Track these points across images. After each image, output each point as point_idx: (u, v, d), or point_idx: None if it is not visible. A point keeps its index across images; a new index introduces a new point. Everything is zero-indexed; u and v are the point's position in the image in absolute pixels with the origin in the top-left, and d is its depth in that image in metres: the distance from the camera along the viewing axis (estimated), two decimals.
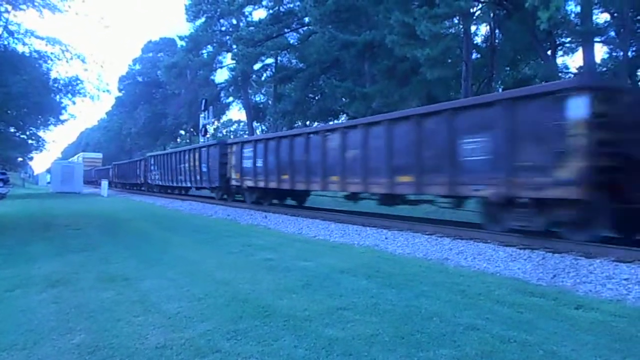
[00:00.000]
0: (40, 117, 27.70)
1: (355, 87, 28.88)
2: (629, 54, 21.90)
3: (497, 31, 28.85)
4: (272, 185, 15.86)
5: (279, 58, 42.96)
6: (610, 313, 4.54)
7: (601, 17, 23.50)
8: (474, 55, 27.29)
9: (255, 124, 50.51)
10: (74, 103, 21.55)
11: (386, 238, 9.52)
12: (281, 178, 15.22)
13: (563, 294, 5.32)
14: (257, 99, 53.59)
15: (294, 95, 38.06)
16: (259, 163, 16.57)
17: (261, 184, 16.57)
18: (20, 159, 60.17)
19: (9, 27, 16.65)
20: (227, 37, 42.25)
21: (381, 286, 5.59)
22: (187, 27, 50.40)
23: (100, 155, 73.66)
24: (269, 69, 44.94)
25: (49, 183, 52.72)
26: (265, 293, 5.30)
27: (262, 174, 16.38)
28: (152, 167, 31.48)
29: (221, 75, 49.64)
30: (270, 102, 47.51)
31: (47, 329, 4.20)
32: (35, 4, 15.17)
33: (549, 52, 25.49)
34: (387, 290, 5.38)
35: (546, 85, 8.45)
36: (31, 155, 55.51)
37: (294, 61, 43.14)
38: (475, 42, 29.33)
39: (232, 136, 69.16)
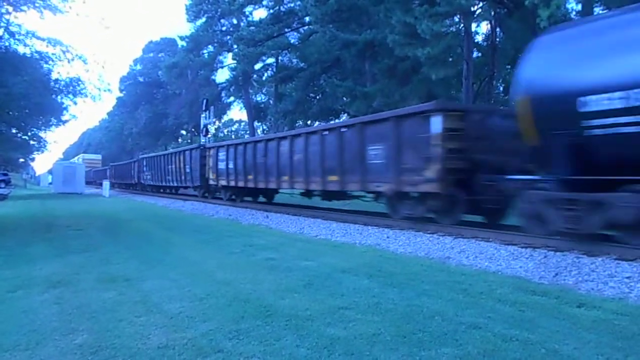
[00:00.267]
0: (41, 117, 27.73)
1: (356, 86, 28.85)
2: None
3: (498, 29, 28.81)
4: (241, 184, 18.38)
5: (279, 58, 42.95)
6: (612, 311, 4.53)
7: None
8: (475, 54, 27.24)
9: (256, 123, 50.52)
10: (75, 103, 21.56)
11: (388, 237, 9.52)
12: (247, 178, 17.75)
13: (565, 292, 5.31)
14: (258, 98, 53.57)
15: (295, 95, 38.04)
16: (230, 165, 19.11)
17: (232, 183, 19.11)
18: (21, 159, 60.35)
19: (10, 28, 16.66)
20: (228, 37, 42.24)
21: (383, 285, 5.59)
22: (188, 27, 50.48)
23: (99, 156, 74.06)
24: (269, 69, 44.93)
25: (50, 184, 52.81)
26: (266, 293, 5.31)
27: (233, 175, 18.97)
28: (145, 168, 33.89)
29: (222, 75, 49.67)
30: (271, 101, 47.52)
31: (49, 330, 4.20)
32: (36, 5, 15.19)
33: None
34: (388, 290, 5.38)
35: (417, 107, 10.85)
36: (33, 156, 55.69)
37: (294, 61, 43.13)
38: (476, 40, 29.29)
39: (233, 136, 69.30)
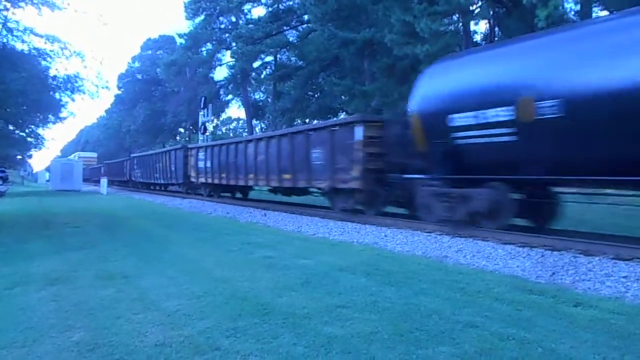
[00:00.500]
0: (39, 114, 27.71)
1: (354, 85, 28.85)
2: None
3: (496, 29, 28.83)
4: (216, 181, 20.40)
5: (278, 56, 42.96)
6: (609, 310, 4.55)
7: (601, 15, 23.50)
8: None
9: (254, 121, 50.52)
10: (73, 100, 21.57)
11: (385, 236, 9.52)
12: (221, 176, 19.72)
13: (562, 291, 5.32)
14: (257, 96, 53.55)
15: (294, 93, 38.04)
16: (208, 164, 21.20)
17: (210, 180, 21.16)
18: (19, 156, 60.24)
19: (8, 24, 16.62)
20: (227, 35, 42.21)
21: (380, 284, 5.60)
22: (187, 25, 50.32)
23: (95, 154, 74.45)
24: (268, 67, 44.98)
25: (48, 181, 52.70)
26: (264, 291, 5.31)
27: (210, 173, 21.04)
28: (135, 167, 35.76)
29: (220, 73, 49.80)
30: (269, 99, 47.54)
31: (47, 327, 4.20)
32: (35, 1, 15.15)
33: None
34: (386, 288, 5.38)
35: (345, 119, 14.28)
36: (30, 153, 55.64)
37: (293, 59, 43.13)
38: (474, 39, 29.31)
39: (231, 134, 69.20)
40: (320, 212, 13.41)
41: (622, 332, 3.95)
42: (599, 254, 6.75)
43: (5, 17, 16.20)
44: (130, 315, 4.49)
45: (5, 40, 17.13)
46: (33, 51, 17.84)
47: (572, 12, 21.66)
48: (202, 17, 41.88)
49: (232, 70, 42.56)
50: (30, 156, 67.08)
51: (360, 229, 10.46)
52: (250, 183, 17.63)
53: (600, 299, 5.06)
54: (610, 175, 6.98)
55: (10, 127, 32.12)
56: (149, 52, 67.31)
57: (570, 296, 5.09)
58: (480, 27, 32.87)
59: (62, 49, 17.62)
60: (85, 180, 56.11)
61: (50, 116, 28.78)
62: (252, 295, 5.10)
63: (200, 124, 36.92)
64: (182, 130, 66.74)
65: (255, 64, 42.91)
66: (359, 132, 11.39)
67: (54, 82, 20.16)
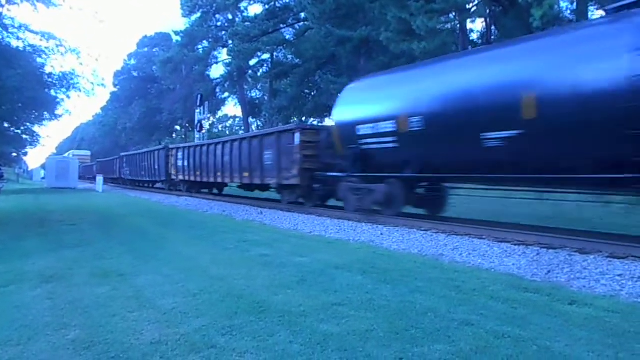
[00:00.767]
0: (34, 112, 27.59)
1: (351, 83, 28.81)
2: None
3: (493, 27, 28.86)
4: (192, 179, 22.90)
5: (274, 54, 42.88)
6: (603, 309, 4.57)
7: (597, 14, 23.56)
8: None
9: (251, 119, 50.41)
10: (68, 97, 21.50)
11: (381, 234, 9.53)
12: (196, 174, 22.24)
13: (557, 289, 5.34)
14: (253, 94, 53.48)
15: (290, 91, 37.99)
16: (185, 163, 23.59)
17: (187, 178, 23.66)
18: (14, 154, 59.94)
19: (3, 21, 16.53)
20: (223, 33, 42.11)
21: (376, 282, 5.61)
22: (183, 22, 50.11)
23: (88, 152, 75.01)
24: (264, 65, 44.85)
25: (43, 178, 52.52)
26: (260, 289, 5.31)
27: (187, 171, 23.53)
28: (125, 165, 37.99)
29: (217, 71, 49.50)
30: (266, 97, 47.45)
31: (42, 325, 4.19)
32: None
33: None
34: (382, 286, 5.39)
35: (288, 126, 16.30)
36: (25, 150, 55.40)
37: (289, 57, 43.06)
38: (471, 38, 29.35)
39: (228, 132, 69.02)
40: (316, 211, 13.43)
41: (616, 330, 3.97)
42: (594, 252, 6.79)
43: (1, 13, 16.11)
44: (125, 313, 4.48)
45: (0, 37, 17.04)
46: (28, 48, 17.77)
47: (568, 11, 21.69)
48: (199, 14, 41.78)
49: (229, 68, 42.45)
50: (25, 154, 66.77)
51: (356, 227, 10.47)
52: (219, 180, 19.88)
53: (595, 297, 5.08)
54: (458, 173, 9.65)
55: (6, 125, 31.98)
56: (145, 49, 67.10)
57: (565, 294, 5.11)
58: (476, 26, 32.90)
59: (57, 46, 17.56)
60: (79, 178, 56.14)
61: (45, 113, 28.68)
62: (248, 293, 5.10)
63: (196, 121, 36.87)
64: (178, 128, 66.56)
65: (252, 62, 42.82)
66: (297, 138, 13.68)
67: (50, 80, 20.09)
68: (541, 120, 7.60)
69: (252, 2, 41.93)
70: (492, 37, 28.70)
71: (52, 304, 4.87)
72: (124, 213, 15.51)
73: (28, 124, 33.06)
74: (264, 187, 17.11)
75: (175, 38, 50.48)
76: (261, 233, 10.31)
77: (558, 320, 4.22)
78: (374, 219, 10.94)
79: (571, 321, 4.19)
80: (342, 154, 12.29)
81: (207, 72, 48.42)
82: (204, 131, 36.09)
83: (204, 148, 21.21)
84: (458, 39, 23.85)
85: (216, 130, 66.90)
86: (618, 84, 6.66)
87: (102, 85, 20.92)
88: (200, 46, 44.63)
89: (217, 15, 42.98)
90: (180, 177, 24.60)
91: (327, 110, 37.78)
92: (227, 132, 67.55)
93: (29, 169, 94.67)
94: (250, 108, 47.88)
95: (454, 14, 23.31)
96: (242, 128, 52.81)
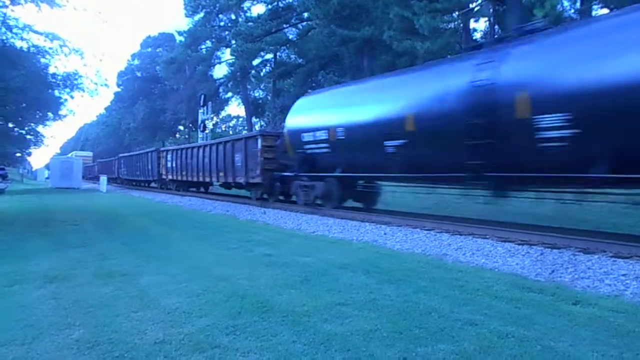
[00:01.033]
0: (38, 112, 27.65)
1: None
2: None
3: (496, 27, 28.75)
4: (179, 178, 25.43)
5: (278, 53, 42.89)
6: (608, 308, 4.55)
7: (600, 13, 23.44)
8: None
9: (254, 119, 50.45)
10: (72, 97, 21.53)
11: (385, 234, 9.52)
12: (182, 174, 24.74)
13: (561, 289, 5.32)
14: (256, 94, 53.51)
15: (293, 91, 37.98)
16: (174, 164, 26.19)
17: (175, 178, 26.21)
18: (18, 154, 60.09)
19: (7, 21, 16.58)
20: (226, 33, 42.17)
21: (380, 282, 5.60)
22: (186, 22, 50.25)
23: (90, 153, 76.16)
24: (268, 65, 44.89)
25: (47, 178, 52.64)
26: (263, 288, 5.31)
27: (174, 171, 26.14)
28: (122, 165, 40.36)
29: (220, 71, 49.66)
30: (269, 97, 47.48)
31: (46, 325, 4.20)
32: None
33: None
34: (385, 286, 5.38)
35: (251, 133, 20.02)
36: (30, 150, 55.49)
37: (293, 56, 43.08)
38: (474, 37, 29.25)
39: (231, 132, 69.16)
40: (320, 211, 13.43)
41: (621, 330, 3.95)
42: (599, 252, 6.76)
43: (5, 13, 16.16)
44: (129, 313, 4.48)
45: (4, 37, 17.09)
46: (32, 48, 17.80)
47: (572, 10, 21.60)
48: (202, 14, 41.83)
49: (232, 68, 42.52)
50: (29, 154, 66.87)
51: (359, 227, 10.46)
52: (201, 179, 22.42)
53: (599, 296, 5.07)
54: (372, 173, 12.16)
55: (10, 125, 32.05)
56: (149, 49, 67.21)
57: (569, 294, 5.10)
58: (480, 25, 32.82)
59: (61, 46, 17.60)
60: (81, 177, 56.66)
61: (49, 114, 28.72)
62: (252, 293, 5.10)
63: (199, 121, 36.92)
64: (181, 128, 66.67)
65: (255, 62, 42.86)
66: (259, 143, 16.14)
67: (53, 80, 20.14)
68: (419, 132, 9.97)
69: (255, 2, 41.99)
70: (496, 37, 28.58)
71: (56, 303, 4.89)
72: (128, 213, 15.54)
73: (32, 124, 33.14)
74: (239, 185, 18.93)
75: (178, 38, 50.62)
76: (264, 233, 10.32)
77: (562, 320, 4.21)
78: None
79: (575, 321, 4.17)
80: (292, 157, 14.49)
81: (211, 72, 48.52)
82: (207, 131, 36.16)
83: (189, 151, 23.80)
84: (461, 38, 23.79)
85: (219, 130, 67.04)
86: (459, 107, 9.00)
87: (106, 85, 21.00)
88: (203, 46, 44.70)
89: (220, 15, 43.02)
90: (170, 177, 27.00)
91: None
92: (231, 132, 67.72)
93: (33, 169, 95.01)
94: (254, 108, 47.93)
95: (457, 13, 23.28)
96: (246, 128, 52.89)
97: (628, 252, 6.54)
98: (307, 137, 13.53)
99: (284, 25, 38.36)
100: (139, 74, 68.59)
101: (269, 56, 43.34)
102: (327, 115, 13.11)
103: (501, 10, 25.51)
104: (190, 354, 3.50)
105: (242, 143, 17.42)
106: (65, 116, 28.41)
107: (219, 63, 47.45)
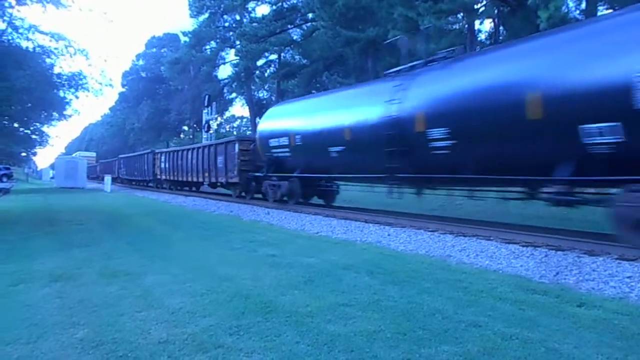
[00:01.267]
0: (43, 112, 27.79)
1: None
2: None
3: (501, 28, 28.71)
4: (171, 178, 28.15)
5: (282, 54, 42.88)
6: (612, 311, 4.53)
7: (605, 13, 23.32)
8: None
9: (258, 119, 50.44)
10: (77, 97, 21.65)
11: (389, 235, 9.52)
12: (174, 174, 27.40)
13: (565, 291, 5.30)
14: (260, 95, 53.57)
15: (297, 91, 38.01)
16: (167, 165, 28.97)
17: (168, 178, 28.93)
18: (23, 154, 60.39)
19: (13, 22, 16.67)
20: (231, 33, 42.21)
21: (383, 283, 5.60)
22: (191, 23, 50.33)
23: (93, 154, 77.57)
24: (272, 65, 44.89)
25: (52, 178, 52.88)
26: (267, 289, 5.32)
27: (167, 172, 28.93)
28: (122, 166, 43.16)
29: (224, 71, 49.67)
30: (273, 98, 47.45)
31: (51, 324, 4.22)
32: None
33: None
34: (389, 287, 5.38)
35: (230, 138, 21.78)
36: (35, 150, 55.78)
37: (297, 57, 43.09)
38: (479, 38, 29.23)
39: (235, 132, 69.23)
40: (323, 212, 13.44)
41: (625, 333, 3.93)
42: (603, 254, 6.74)
43: (11, 14, 16.25)
44: (133, 312, 4.50)
45: (10, 37, 17.19)
46: (38, 49, 17.91)
47: (577, 12, 21.53)
48: (207, 15, 41.90)
49: (236, 69, 42.53)
50: (34, 154, 67.18)
51: (363, 228, 10.46)
52: (190, 179, 24.84)
53: (604, 299, 5.05)
54: (321, 174, 14.37)
55: (15, 125, 32.23)
56: (154, 50, 67.38)
57: (574, 296, 5.08)
58: (485, 26, 32.78)
59: (66, 46, 17.71)
60: None
61: (54, 114, 28.87)
62: (256, 293, 5.11)
63: (204, 122, 37.00)
64: (185, 128, 66.81)
65: (259, 62, 42.89)
66: (237, 147, 18.47)
67: (58, 80, 20.25)
68: (354, 140, 12.16)
69: (259, 3, 42.06)
70: (500, 38, 28.57)
71: (61, 303, 4.91)
72: (132, 213, 15.59)
73: (37, 124, 33.33)
74: (221, 184, 21.18)
75: (183, 39, 50.74)
76: (268, 233, 10.33)
77: (566, 322, 4.19)
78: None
79: (580, 323, 4.16)
80: (263, 159, 16.66)
81: (215, 73, 48.61)
82: (211, 131, 36.23)
83: (179, 153, 26.46)
84: (466, 39, 23.75)
85: (224, 131, 67.18)
86: (380, 121, 11.05)
87: (110, 85, 21.14)
88: (208, 47, 44.77)
89: (225, 16, 43.10)
90: (164, 177, 29.84)
91: None
92: (235, 132, 67.76)
93: (38, 169, 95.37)
94: (258, 108, 47.88)
95: (461, 14, 23.25)
96: (250, 128, 52.94)
97: (633, 254, 6.52)
98: (273, 142, 15.69)
99: (289, 26, 38.36)
100: (143, 74, 68.74)
101: (273, 57, 43.36)
102: (289, 123, 15.29)
103: (506, 11, 25.50)
104: (193, 353, 3.51)
105: (223, 147, 19.86)
106: (70, 116, 28.59)
107: (224, 63, 47.56)
